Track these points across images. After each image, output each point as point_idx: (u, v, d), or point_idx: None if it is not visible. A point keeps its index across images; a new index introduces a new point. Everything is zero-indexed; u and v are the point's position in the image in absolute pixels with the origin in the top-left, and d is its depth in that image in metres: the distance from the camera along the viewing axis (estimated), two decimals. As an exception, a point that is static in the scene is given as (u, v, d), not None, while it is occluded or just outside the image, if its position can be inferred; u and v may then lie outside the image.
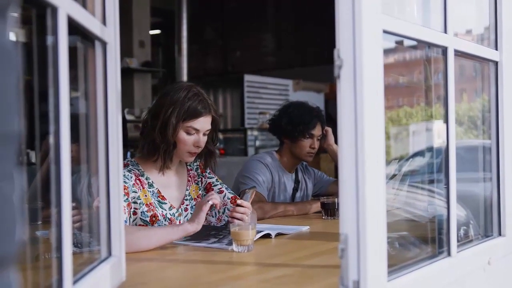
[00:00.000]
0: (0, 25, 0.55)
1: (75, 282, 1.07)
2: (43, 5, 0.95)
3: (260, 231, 2.05)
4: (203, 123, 2.16)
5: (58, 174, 0.98)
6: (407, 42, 1.53)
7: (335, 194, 2.90)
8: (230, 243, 1.88)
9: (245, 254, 1.80)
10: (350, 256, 1.15)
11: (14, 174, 0.56)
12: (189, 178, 2.33)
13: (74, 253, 1.05)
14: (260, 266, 1.70)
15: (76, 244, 1.30)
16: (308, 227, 2.33)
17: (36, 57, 1.05)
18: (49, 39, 0.99)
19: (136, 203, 2.10)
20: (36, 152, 1.26)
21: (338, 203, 2.61)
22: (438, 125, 1.90)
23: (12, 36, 0.57)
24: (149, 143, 2.16)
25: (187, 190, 2.30)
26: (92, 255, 1.36)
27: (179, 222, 2.20)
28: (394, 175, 1.96)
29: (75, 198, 1.07)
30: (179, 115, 2.11)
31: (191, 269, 1.68)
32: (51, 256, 1.37)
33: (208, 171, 2.39)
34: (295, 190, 3.08)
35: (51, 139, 0.98)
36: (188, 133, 2.14)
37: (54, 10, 0.97)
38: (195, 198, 2.31)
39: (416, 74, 2.03)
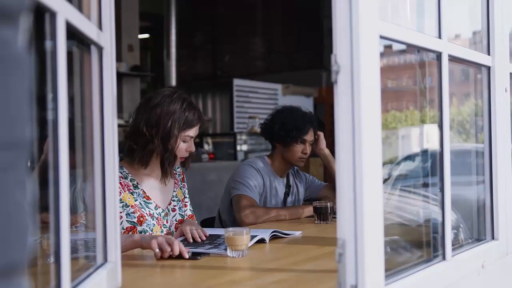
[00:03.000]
0: (11, 32, 0.55)
1: (72, 288, 1.07)
2: (42, 10, 0.94)
3: (255, 236, 2.04)
4: (196, 130, 2.29)
5: (56, 180, 0.98)
6: (395, 46, 1.53)
7: (327, 198, 2.91)
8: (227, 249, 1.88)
9: (240, 259, 1.80)
10: (347, 260, 1.15)
11: (26, 181, 0.56)
12: (175, 181, 2.41)
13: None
14: (255, 271, 1.70)
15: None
16: (301, 232, 2.33)
17: (32, 62, 1.04)
18: (47, 44, 0.99)
19: (119, 207, 2.12)
20: (33, 156, 1.25)
21: (330, 208, 2.62)
22: (427, 129, 1.91)
23: (24, 43, 0.57)
24: (148, 153, 2.21)
25: (174, 191, 2.38)
26: (87, 261, 1.35)
27: (166, 222, 2.28)
28: (385, 180, 1.97)
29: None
30: (180, 126, 2.21)
31: (186, 275, 1.68)
32: (46, 261, 1.36)
33: (185, 181, 2.50)
34: (286, 194, 3.08)
35: (50, 145, 0.97)
36: (184, 141, 2.25)
37: (53, 15, 0.96)
38: (182, 200, 2.40)
39: (405, 79, 2.04)
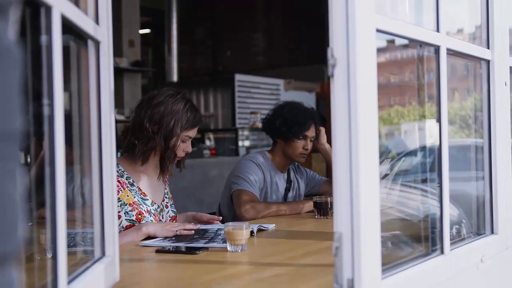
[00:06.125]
0: (1, 25, 0.55)
1: (69, 282, 1.07)
2: (37, 4, 0.94)
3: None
4: (195, 131, 2.33)
5: (53, 175, 0.98)
6: (398, 41, 1.53)
7: (327, 193, 2.91)
8: (225, 241, 1.88)
9: (239, 254, 1.80)
10: (344, 254, 1.15)
11: (17, 173, 0.57)
12: (166, 179, 2.45)
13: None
14: (254, 265, 1.70)
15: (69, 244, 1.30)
16: (274, 225, 2.34)
17: (28, 57, 1.04)
18: (43, 39, 0.98)
19: (118, 206, 2.14)
20: (31, 153, 1.25)
21: (330, 203, 2.62)
22: (429, 125, 1.91)
23: (14, 35, 0.57)
24: (149, 150, 2.23)
25: (165, 189, 2.43)
26: (85, 255, 1.36)
27: (162, 218, 2.33)
28: (386, 175, 1.96)
29: (67, 198, 1.06)
30: (182, 126, 2.24)
31: (185, 269, 1.68)
32: (43, 256, 1.36)
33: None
34: (287, 190, 3.08)
35: (46, 140, 0.97)
36: (183, 141, 2.28)
37: (48, 9, 0.96)
38: (171, 198, 2.45)
39: (407, 73, 2.04)
